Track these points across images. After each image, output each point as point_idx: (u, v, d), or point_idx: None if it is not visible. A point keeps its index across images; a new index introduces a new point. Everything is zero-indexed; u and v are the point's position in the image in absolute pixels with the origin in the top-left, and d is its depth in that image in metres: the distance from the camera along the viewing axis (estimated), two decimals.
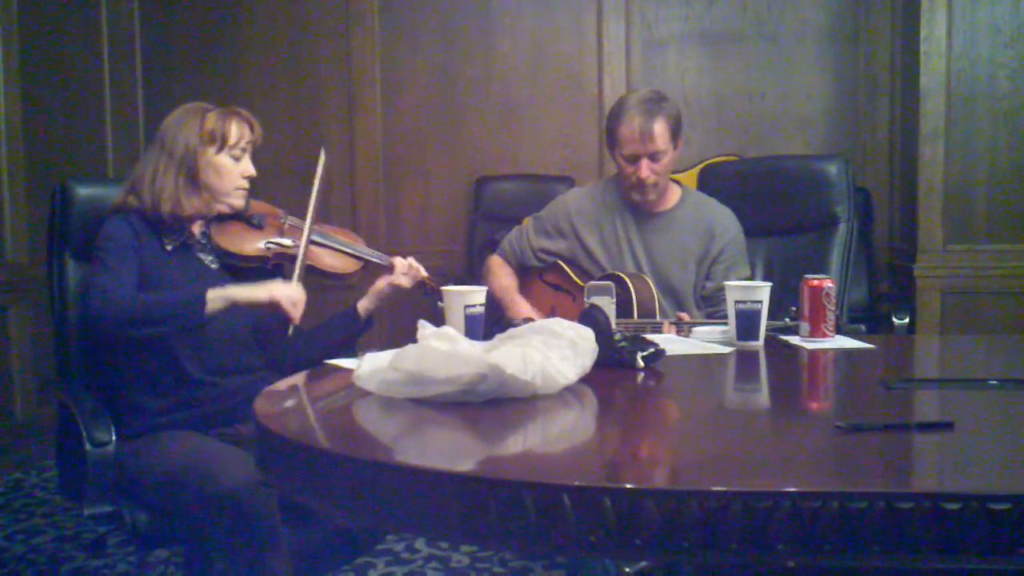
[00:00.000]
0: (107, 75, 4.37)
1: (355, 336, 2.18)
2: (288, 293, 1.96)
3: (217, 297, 1.90)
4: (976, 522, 0.87)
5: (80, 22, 4.23)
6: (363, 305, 2.17)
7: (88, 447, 1.83)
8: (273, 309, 1.96)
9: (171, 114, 2.06)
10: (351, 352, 1.97)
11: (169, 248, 2.02)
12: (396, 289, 2.18)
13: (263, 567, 1.70)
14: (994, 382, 1.49)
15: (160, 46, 4.51)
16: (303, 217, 2.11)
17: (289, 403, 1.49)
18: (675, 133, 2.44)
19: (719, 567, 1.20)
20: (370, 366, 1.36)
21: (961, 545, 0.87)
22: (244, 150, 2.06)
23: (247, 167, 2.06)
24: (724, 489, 0.90)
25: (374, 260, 2.21)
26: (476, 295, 1.86)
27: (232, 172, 2.04)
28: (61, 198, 2.11)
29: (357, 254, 2.20)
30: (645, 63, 4.34)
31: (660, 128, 2.39)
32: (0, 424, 3.61)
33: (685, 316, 2.25)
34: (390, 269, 2.18)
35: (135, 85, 4.50)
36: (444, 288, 1.88)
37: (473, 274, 3.67)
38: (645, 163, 2.40)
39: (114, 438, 1.85)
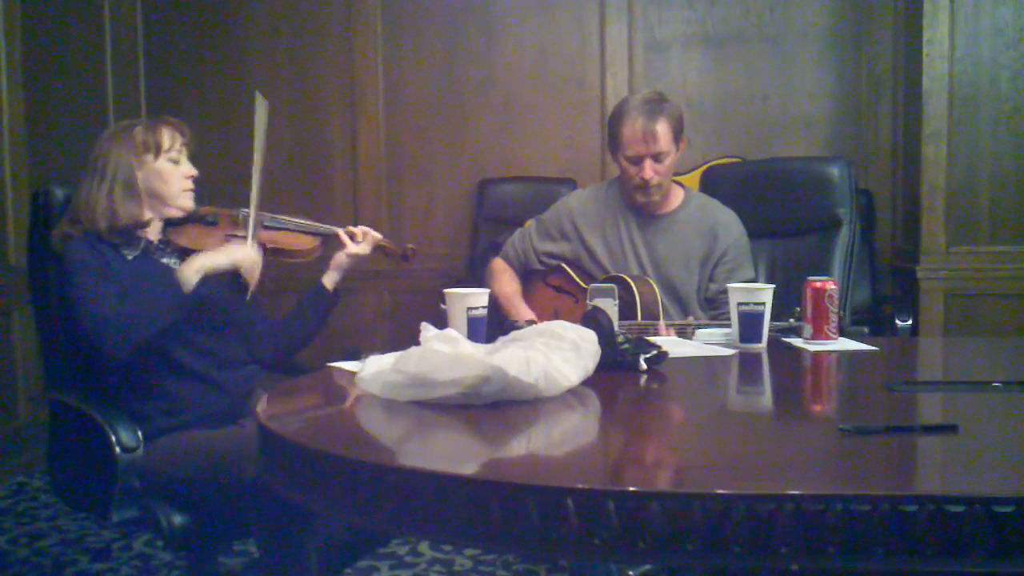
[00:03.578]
0: (110, 76, 4.37)
1: (328, 312, 2.25)
2: (249, 254, 2.04)
3: (187, 276, 1.93)
4: (980, 525, 0.87)
5: (83, 23, 4.23)
6: (328, 280, 2.24)
7: (118, 451, 1.84)
8: (234, 274, 2.01)
9: (99, 137, 2.11)
10: (326, 331, 2.13)
11: (130, 258, 2.05)
12: (355, 259, 2.24)
13: (299, 549, 1.73)
14: (998, 384, 1.49)
15: (163, 47, 4.52)
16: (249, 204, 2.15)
17: (292, 405, 1.49)
18: (677, 134, 2.44)
19: (723, 570, 1.20)
20: (373, 368, 1.37)
21: (965, 548, 0.87)
22: (180, 152, 2.11)
23: (187, 168, 2.12)
24: (728, 492, 0.90)
25: (328, 233, 2.24)
26: (478, 297, 1.86)
27: (175, 175, 2.09)
28: (43, 202, 2.11)
29: (311, 231, 2.24)
30: (647, 65, 4.33)
31: (663, 129, 2.39)
32: (3, 427, 3.61)
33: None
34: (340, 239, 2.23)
35: (138, 86, 4.51)
36: (447, 290, 1.89)
37: (476, 276, 3.67)
38: (648, 164, 2.40)
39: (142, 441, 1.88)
